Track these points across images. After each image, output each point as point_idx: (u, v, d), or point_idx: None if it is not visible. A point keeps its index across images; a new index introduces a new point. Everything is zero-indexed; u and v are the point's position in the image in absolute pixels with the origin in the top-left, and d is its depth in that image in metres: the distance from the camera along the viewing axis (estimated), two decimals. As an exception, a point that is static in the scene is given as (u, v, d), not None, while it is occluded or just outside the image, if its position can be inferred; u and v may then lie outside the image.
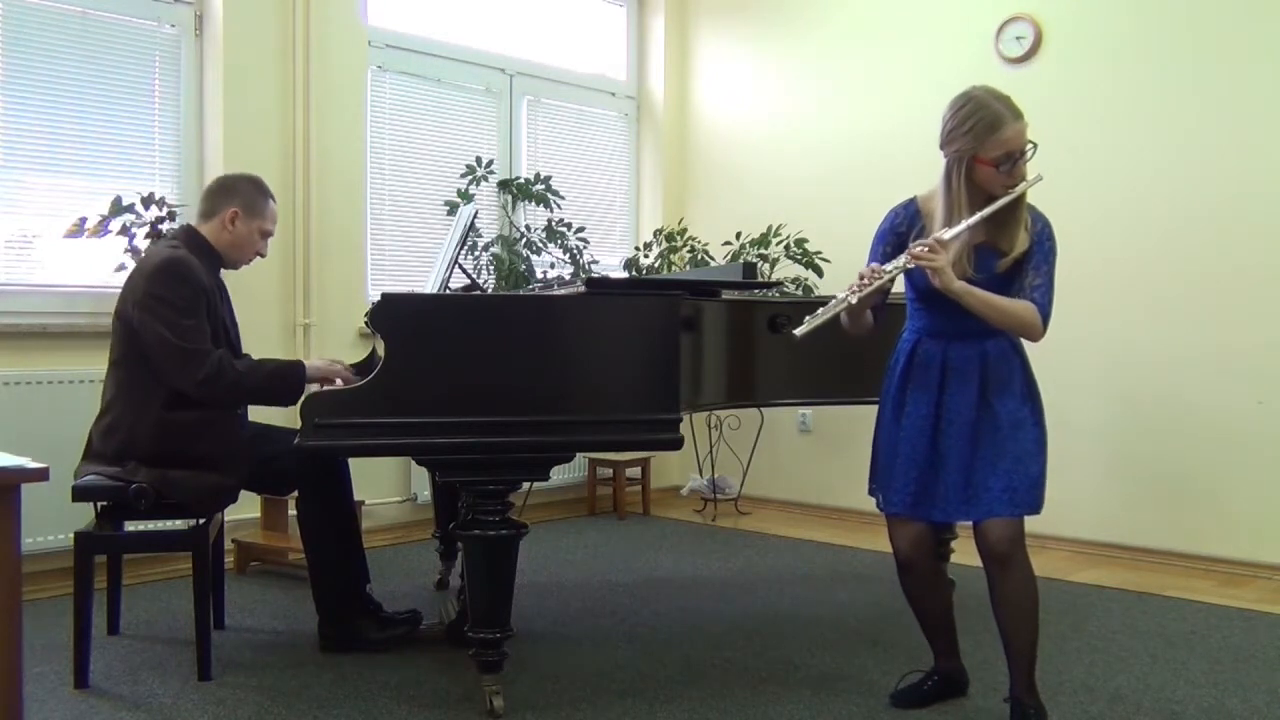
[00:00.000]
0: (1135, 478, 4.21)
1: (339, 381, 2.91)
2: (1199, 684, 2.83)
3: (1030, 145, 2.35)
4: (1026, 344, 2.48)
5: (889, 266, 2.38)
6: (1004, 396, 2.42)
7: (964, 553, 2.63)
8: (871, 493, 2.66)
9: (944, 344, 2.48)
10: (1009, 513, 2.38)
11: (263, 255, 3.14)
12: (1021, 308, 2.36)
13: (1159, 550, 4.17)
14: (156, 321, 2.75)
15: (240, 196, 3.01)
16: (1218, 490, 4.05)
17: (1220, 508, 4.04)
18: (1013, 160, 2.33)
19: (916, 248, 2.34)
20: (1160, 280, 4.18)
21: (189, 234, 3.01)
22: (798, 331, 2.37)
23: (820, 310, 2.38)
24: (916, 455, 2.48)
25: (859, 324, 2.53)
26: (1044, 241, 2.41)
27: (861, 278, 2.39)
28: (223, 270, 3.10)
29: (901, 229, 2.52)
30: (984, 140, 2.31)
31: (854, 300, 2.37)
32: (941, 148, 2.40)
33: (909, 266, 2.36)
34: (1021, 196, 2.37)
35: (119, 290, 2.92)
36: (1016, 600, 2.42)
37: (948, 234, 2.34)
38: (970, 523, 2.47)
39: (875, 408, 2.71)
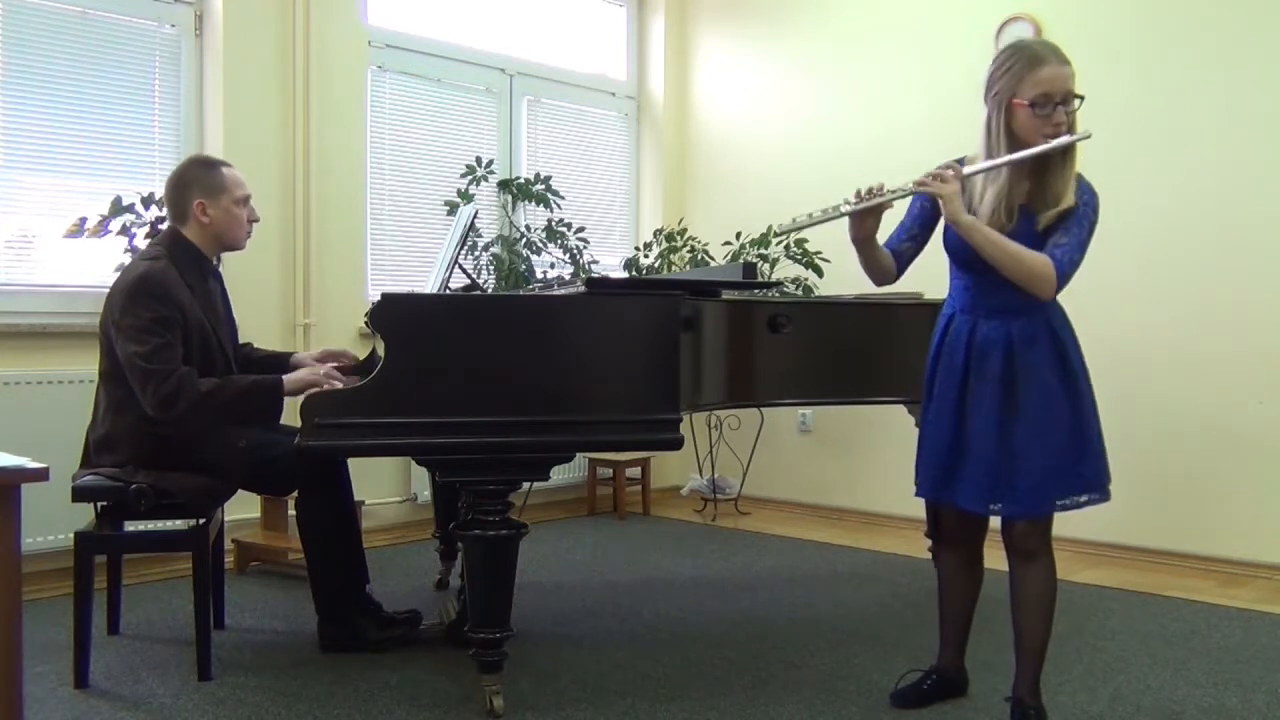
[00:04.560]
0: (1135, 478, 4.20)
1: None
2: (1199, 684, 2.83)
3: (1076, 97, 2.21)
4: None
5: (894, 186, 2.29)
6: (1029, 386, 2.29)
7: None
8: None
9: (972, 322, 2.37)
10: (1030, 513, 2.31)
11: (256, 220, 3.05)
12: (1034, 257, 2.21)
13: (1159, 550, 4.17)
14: (127, 340, 2.71)
15: (196, 184, 2.93)
16: (1218, 490, 4.05)
17: (1220, 508, 4.04)
18: (1051, 104, 2.19)
19: (929, 174, 2.24)
20: (1160, 280, 4.18)
21: (173, 239, 2.94)
22: (778, 226, 2.29)
23: (810, 213, 2.30)
24: (940, 439, 2.40)
25: (872, 257, 2.41)
26: (1081, 207, 2.25)
27: (860, 193, 2.30)
28: (231, 253, 3.05)
29: None
30: (1022, 79, 2.20)
31: (846, 210, 2.29)
32: (984, 100, 2.28)
33: (915, 190, 2.29)
34: (1068, 154, 2.23)
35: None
36: (1034, 597, 2.39)
37: (968, 168, 2.26)
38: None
39: (875, 408, 2.70)
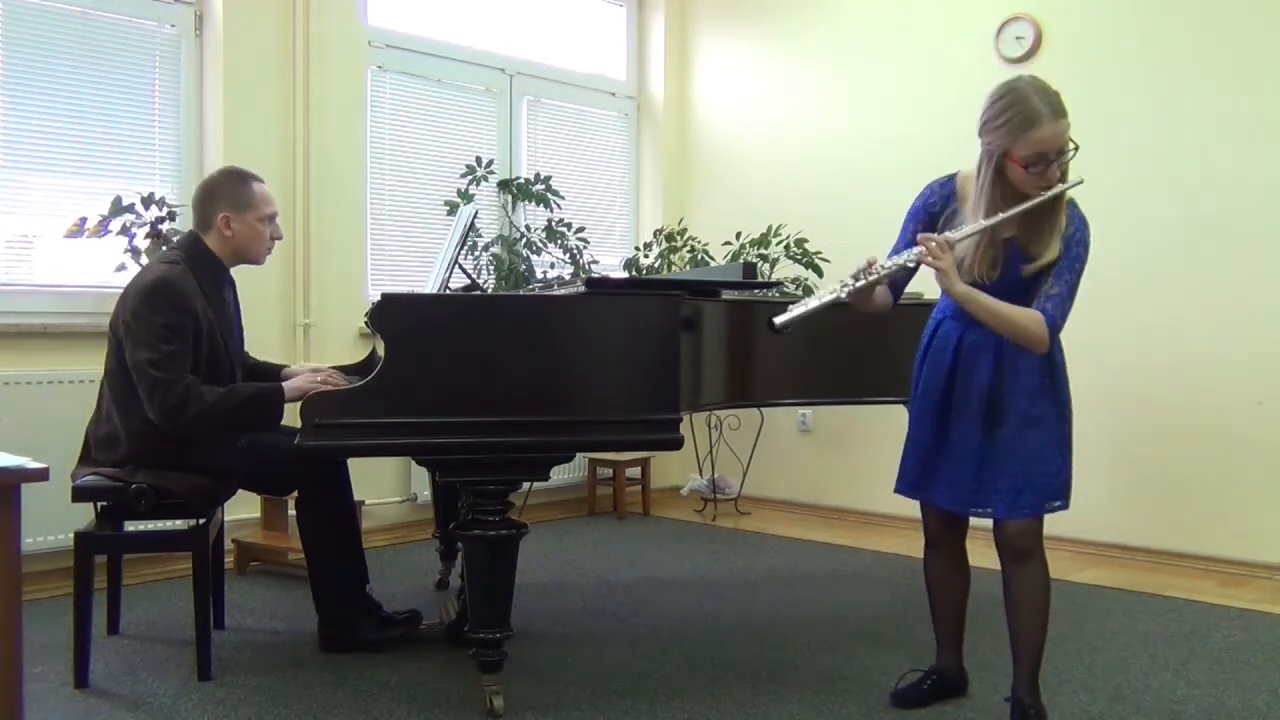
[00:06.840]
0: (1135, 478, 4.21)
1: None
2: (1199, 684, 2.83)
3: (1072, 146, 2.21)
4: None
5: (888, 263, 2.33)
6: (1017, 391, 2.33)
7: (973, 553, 2.62)
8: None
9: (962, 327, 2.41)
10: (1011, 515, 2.34)
11: (279, 239, 3.05)
12: (1026, 317, 2.25)
13: (1159, 550, 4.17)
14: (137, 345, 2.71)
15: (224, 197, 2.92)
16: (1218, 490, 4.05)
17: (1220, 508, 4.04)
18: (1045, 162, 2.19)
19: (920, 246, 2.27)
20: (1160, 280, 4.18)
21: (193, 244, 2.94)
22: (777, 319, 2.30)
23: (805, 300, 2.33)
24: (923, 437, 2.45)
25: (869, 304, 2.46)
26: (1073, 248, 2.27)
27: (857, 274, 2.32)
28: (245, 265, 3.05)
29: (935, 208, 2.43)
30: (1017, 138, 2.18)
31: (844, 295, 2.32)
32: (979, 135, 2.29)
33: (909, 264, 2.33)
34: (1059, 200, 2.25)
35: (119, 290, 2.90)
36: (1028, 598, 2.40)
37: (956, 235, 2.27)
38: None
39: (875, 408, 2.71)
